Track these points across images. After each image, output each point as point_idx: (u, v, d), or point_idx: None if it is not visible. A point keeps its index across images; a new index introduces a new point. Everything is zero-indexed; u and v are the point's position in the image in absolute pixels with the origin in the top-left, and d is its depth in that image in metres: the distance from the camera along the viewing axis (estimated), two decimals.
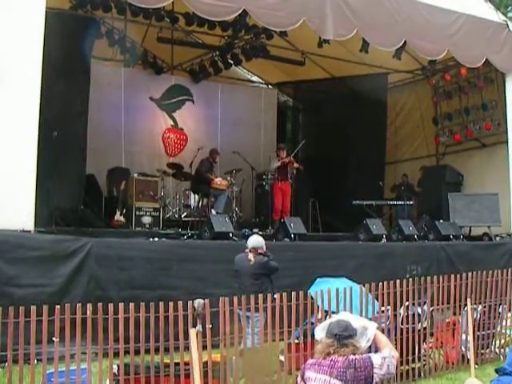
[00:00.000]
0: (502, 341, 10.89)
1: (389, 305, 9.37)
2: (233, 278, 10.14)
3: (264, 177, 16.82)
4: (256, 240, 10.18)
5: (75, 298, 9.53)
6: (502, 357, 10.62)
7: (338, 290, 8.96)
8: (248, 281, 9.79)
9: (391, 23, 13.39)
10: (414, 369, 9.58)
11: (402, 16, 13.44)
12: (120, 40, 17.57)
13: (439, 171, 19.12)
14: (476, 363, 9.63)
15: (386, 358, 5.04)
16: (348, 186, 18.81)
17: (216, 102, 20.09)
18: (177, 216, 16.68)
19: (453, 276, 10.21)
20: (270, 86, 22.33)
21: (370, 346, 5.34)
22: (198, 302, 7.63)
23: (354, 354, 4.97)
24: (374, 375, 4.94)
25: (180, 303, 7.56)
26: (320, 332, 5.29)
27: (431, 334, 10.00)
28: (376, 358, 5.02)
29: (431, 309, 9.99)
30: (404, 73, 19.13)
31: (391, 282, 9.47)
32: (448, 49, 14.28)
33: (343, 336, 5.02)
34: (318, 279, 10.58)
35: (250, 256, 9.92)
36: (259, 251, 9.98)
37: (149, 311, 7.42)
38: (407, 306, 9.57)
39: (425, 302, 9.89)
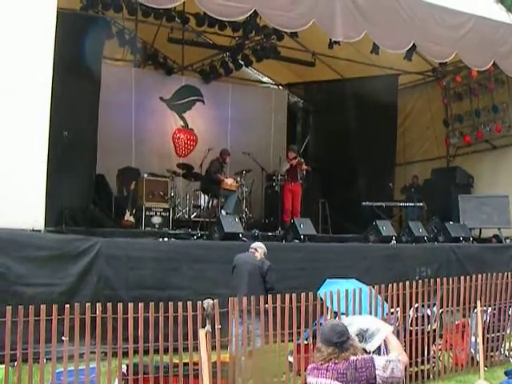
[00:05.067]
0: None
1: (398, 306, 9.36)
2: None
3: (274, 178, 16.82)
4: (259, 244, 10.54)
5: (84, 297, 9.55)
6: (511, 359, 10.62)
7: (347, 292, 8.96)
8: (254, 280, 9.90)
9: (400, 25, 13.33)
10: (423, 371, 9.57)
11: (411, 18, 13.36)
12: (131, 40, 17.58)
13: (449, 173, 19.08)
14: (485, 365, 9.59)
15: (391, 361, 4.98)
16: (358, 188, 18.74)
17: (226, 103, 20.09)
18: (186, 216, 16.69)
19: (462, 278, 10.20)
20: (280, 87, 22.33)
21: (379, 348, 5.34)
22: (208, 303, 7.63)
23: (355, 355, 4.97)
24: (377, 377, 4.92)
25: (189, 303, 7.59)
26: None
27: (440, 336, 9.99)
28: (379, 360, 4.97)
29: (441, 311, 9.98)
30: (414, 74, 19.09)
31: (401, 284, 9.47)
32: (456, 52, 14.20)
33: (342, 341, 4.96)
34: (328, 280, 10.57)
35: (257, 254, 10.18)
36: (261, 256, 10.28)
37: (158, 311, 7.44)
38: (417, 308, 9.56)
39: (434, 304, 9.88)
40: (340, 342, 4.94)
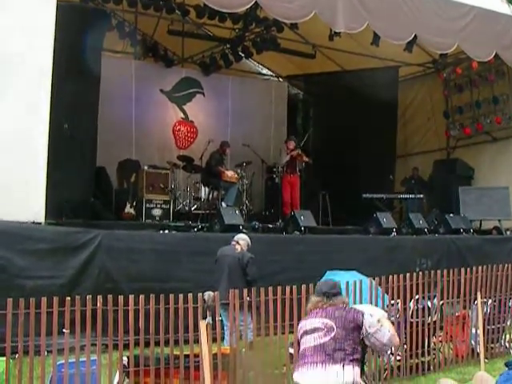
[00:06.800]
0: None
1: (399, 298, 9.37)
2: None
3: (274, 170, 16.83)
4: (242, 236, 10.60)
5: (85, 289, 9.57)
6: (511, 351, 10.63)
7: (347, 283, 8.96)
8: (234, 272, 9.97)
9: (402, 16, 13.29)
10: (423, 362, 9.58)
11: (412, 9, 13.34)
12: (130, 32, 17.55)
13: (450, 165, 19.06)
14: (486, 357, 9.60)
15: (382, 325, 5.17)
16: (358, 180, 18.70)
17: (226, 95, 20.05)
18: (187, 208, 16.67)
19: (463, 270, 10.21)
20: (280, 79, 22.27)
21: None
22: (208, 295, 7.68)
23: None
24: (363, 326, 5.13)
25: (190, 295, 7.59)
26: None
27: (441, 328, 10.00)
28: (369, 317, 5.19)
29: (441, 302, 9.99)
30: (415, 66, 19.05)
31: (401, 276, 9.48)
32: (458, 43, 14.18)
33: (332, 293, 5.31)
34: (328, 272, 10.59)
35: (238, 246, 10.24)
36: (243, 248, 10.36)
37: (159, 303, 7.44)
38: (417, 300, 9.57)
39: (435, 296, 9.89)
40: (328, 292, 5.30)
